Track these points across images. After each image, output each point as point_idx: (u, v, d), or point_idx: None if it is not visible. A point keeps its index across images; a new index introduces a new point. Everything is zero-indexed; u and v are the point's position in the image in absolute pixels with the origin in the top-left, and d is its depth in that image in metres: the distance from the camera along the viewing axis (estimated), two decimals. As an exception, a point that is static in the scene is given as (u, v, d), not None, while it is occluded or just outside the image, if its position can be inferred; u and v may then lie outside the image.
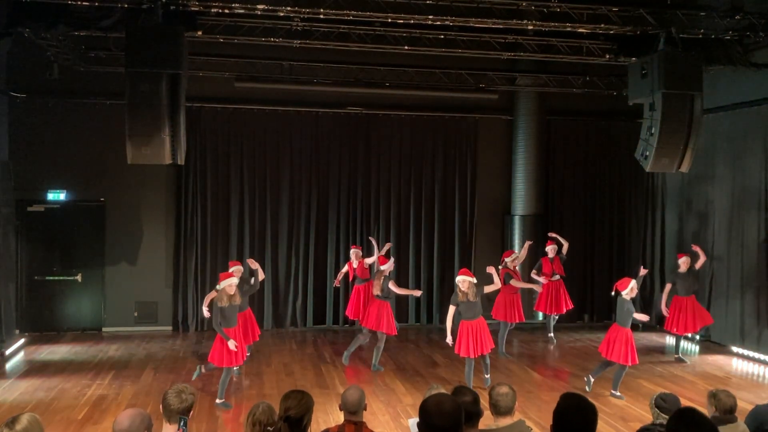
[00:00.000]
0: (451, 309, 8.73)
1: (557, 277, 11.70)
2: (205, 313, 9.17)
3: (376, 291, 9.87)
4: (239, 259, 12.55)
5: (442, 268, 13.38)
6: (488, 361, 9.01)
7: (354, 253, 11.36)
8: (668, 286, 10.94)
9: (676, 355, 10.74)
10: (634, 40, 9.47)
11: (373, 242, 11.29)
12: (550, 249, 11.75)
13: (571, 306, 11.81)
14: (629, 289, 8.57)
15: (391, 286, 9.73)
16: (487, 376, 9.06)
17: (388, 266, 9.97)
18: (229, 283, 8.33)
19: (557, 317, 12.15)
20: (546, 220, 13.51)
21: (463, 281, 8.60)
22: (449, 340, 8.68)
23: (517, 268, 11.12)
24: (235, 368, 8.72)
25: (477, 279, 8.79)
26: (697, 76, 8.67)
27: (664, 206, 13.46)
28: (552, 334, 12.00)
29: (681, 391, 8.51)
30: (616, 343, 8.59)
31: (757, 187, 10.91)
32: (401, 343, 11.57)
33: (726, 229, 11.64)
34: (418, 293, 10.82)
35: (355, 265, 11.11)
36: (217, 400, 8.21)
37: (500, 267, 10.74)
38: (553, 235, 11.84)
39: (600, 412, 3.79)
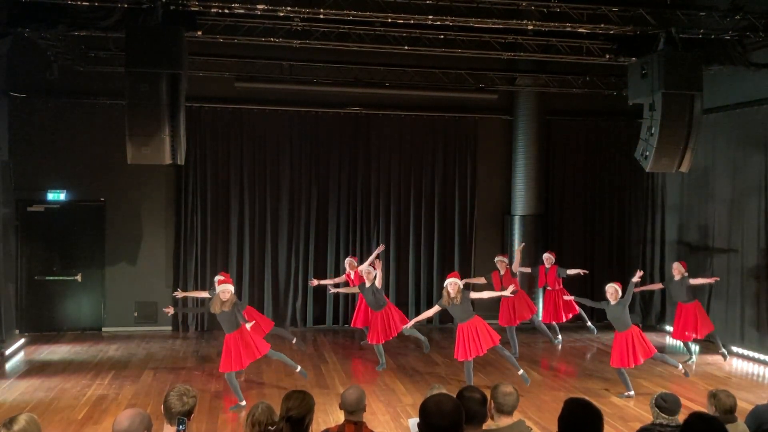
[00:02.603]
0: (435, 308, 9.11)
1: (549, 288, 11.62)
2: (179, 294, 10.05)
3: (373, 304, 9.91)
4: (238, 259, 12.58)
5: (441, 268, 13.31)
6: (504, 353, 8.81)
7: (348, 263, 11.27)
8: (659, 285, 11.25)
9: (688, 359, 10.54)
10: (634, 40, 9.47)
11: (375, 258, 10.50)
12: (546, 258, 11.65)
13: (571, 315, 11.72)
14: (607, 294, 8.77)
15: (378, 283, 9.81)
16: (521, 372, 8.88)
17: (378, 279, 9.84)
18: (223, 290, 8.25)
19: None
20: (546, 220, 13.52)
21: (453, 284, 8.66)
22: (408, 325, 9.37)
23: (516, 271, 11.02)
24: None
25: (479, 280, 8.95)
26: (697, 76, 8.66)
27: (664, 207, 13.45)
28: (560, 336, 11.91)
29: (681, 391, 8.49)
30: (614, 349, 8.79)
31: (757, 188, 10.90)
32: (401, 343, 11.55)
33: (726, 229, 11.62)
34: (380, 248, 10.79)
35: (352, 276, 11.03)
36: (241, 403, 8.12)
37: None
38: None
39: (600, 413, 3.78)
